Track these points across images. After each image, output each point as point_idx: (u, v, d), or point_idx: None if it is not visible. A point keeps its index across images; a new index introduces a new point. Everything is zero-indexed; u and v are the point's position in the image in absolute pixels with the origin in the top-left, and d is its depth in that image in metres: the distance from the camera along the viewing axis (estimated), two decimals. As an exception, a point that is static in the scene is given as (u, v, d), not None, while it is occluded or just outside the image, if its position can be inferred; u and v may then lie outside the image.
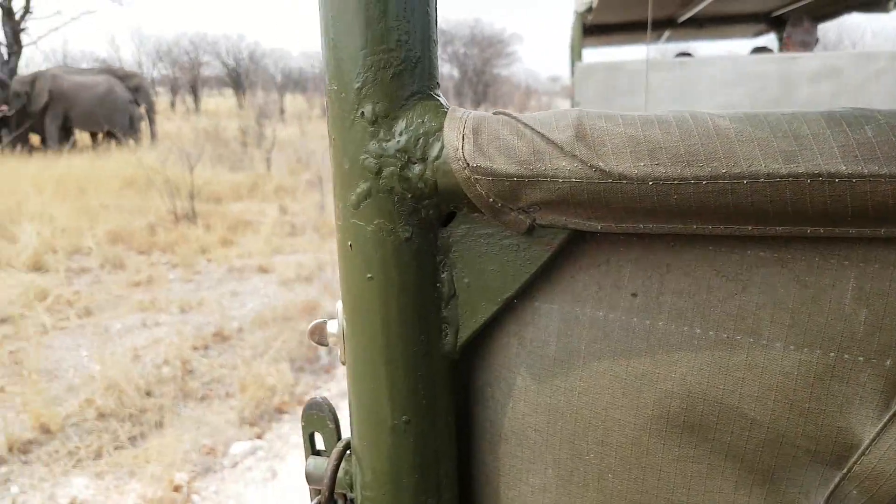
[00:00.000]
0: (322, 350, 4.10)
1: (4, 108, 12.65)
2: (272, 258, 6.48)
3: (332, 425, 0.60)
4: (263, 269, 6.13)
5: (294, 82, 33.37)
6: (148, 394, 3.52)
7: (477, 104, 22.32)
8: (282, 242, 7.03)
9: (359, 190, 0.46)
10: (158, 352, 4.04)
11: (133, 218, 7.41)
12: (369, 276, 0.47)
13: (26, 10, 15.21)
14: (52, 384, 3.65)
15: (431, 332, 0.48)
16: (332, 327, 0.55)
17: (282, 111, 25.16)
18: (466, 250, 0.47)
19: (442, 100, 0.46)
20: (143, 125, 15.32)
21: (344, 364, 0.52)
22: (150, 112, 15.63)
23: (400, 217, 0.45)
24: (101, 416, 3.29)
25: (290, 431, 3.24)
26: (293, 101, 30.76)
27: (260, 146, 13.47)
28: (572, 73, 4.23)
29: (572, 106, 0.85)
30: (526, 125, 0.43)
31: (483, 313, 0.47)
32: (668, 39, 6.05)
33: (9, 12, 14.76)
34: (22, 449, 3.01)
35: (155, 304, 5.00)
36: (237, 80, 31.37)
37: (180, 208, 7.52)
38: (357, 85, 0.44)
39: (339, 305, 0.52)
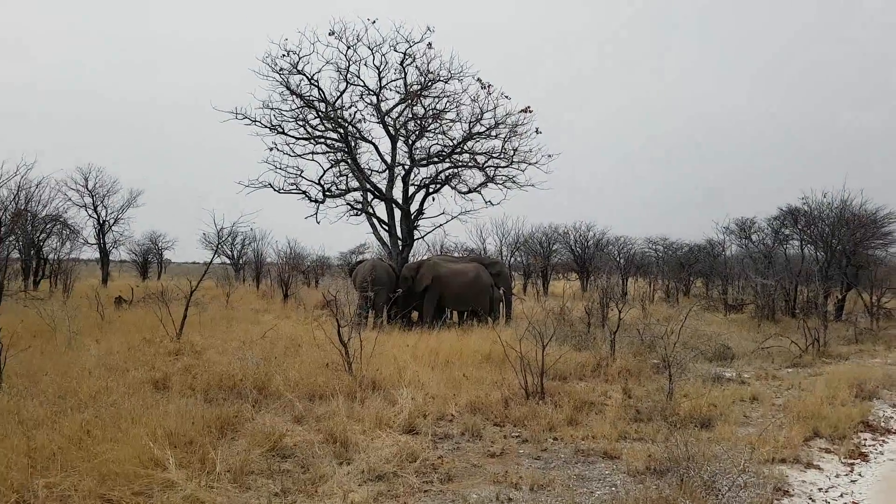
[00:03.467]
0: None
1: (399, 290, 15.38)
2: (618, 443, 6.19)
3: None
4: (609, 455, 5.86)
5: (636, 266, 33.78)
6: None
7: (847, 288, 19.38)
8: (627, 427, 6.71)
9: None
10: (510, 530, 4.00)
11: (490, 390, 7.96)
12: None
13: (419, 212, 18.66)
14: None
15: None
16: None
17: (624, 293, 25.43)
18: None
19: None
20: (501, 305, 16.95)
21: None
22: (508, 294, 17.32)
23: None
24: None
25: None
26: (635, 284, 31.06)
27: (603, 326, 13.64)
28: None
29: None
30: None
31: None
32: None
33: (406, 214, 18.26)
34: None
35: (507, 478, 5.08)
36: (583, 264, 33.07)
37: (531, 384, 7.83)
38: None
39: None
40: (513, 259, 32.36)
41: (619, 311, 12.21)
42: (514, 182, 18.42)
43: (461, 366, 9.45)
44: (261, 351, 9.89)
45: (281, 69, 17.27)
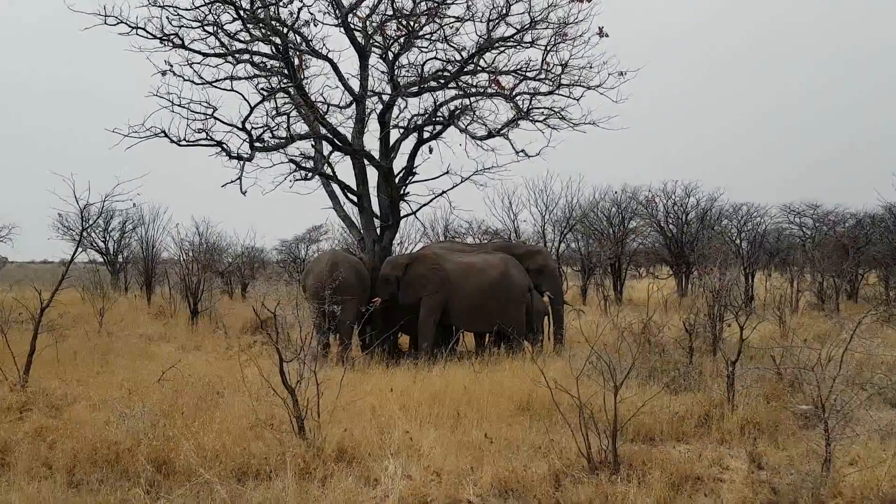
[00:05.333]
0: None
1: (377, 300, 15.43)
2: (743, 544, 6.27)
3: None
4: (729, 562, 5.94)
5: (769, 252, 33.66)
6: None
7: None
8: (758, 517, 6.79)
9: None
10: None
11: (529, 460, 8.02)
12: None
13: (409, 172, 18.58)
14: None
15: None
16: None
17: (749, 298, 25.34)
18: None
19: None
20: (545, 321, 16.97)
21: None
22: (556, 303, 17.34)
23: None
24: None
25: None
26: (767, 282, 30.91)
27: (715, 353, 13.65)
28: None
29: None
30: None
31: None
32: None
33: (387, 175, 18.13)
34: None
35: None
36: (680, 251, 32.91)
37: (597, 448, 7.88)
38: None
39: None
40: (563, 246, 32.48)
41: (742, 328, 12.21)
42: (562, 118, 18.40)
43: (482, 421, 9.52)
44: (159, 403, 9.96)
45: (177, -59, 17.23)
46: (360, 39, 18.11)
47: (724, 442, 9.37)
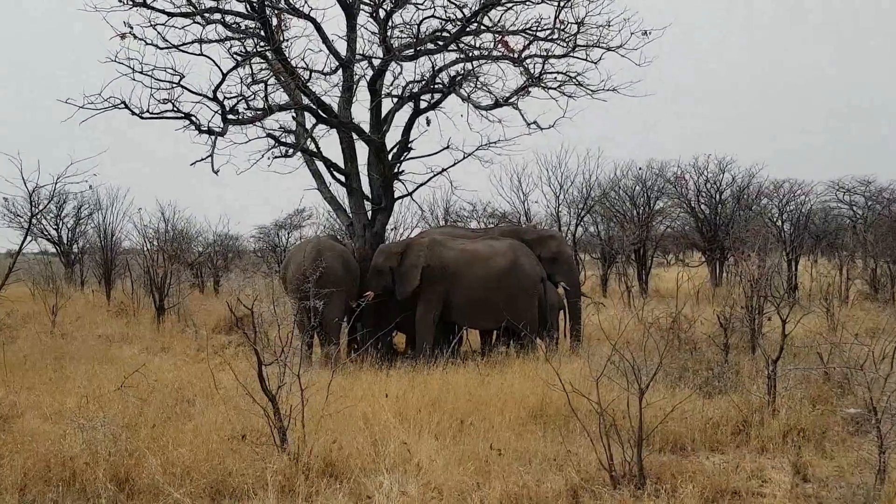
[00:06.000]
0: None
1: (369, 294, 15.41)
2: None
3: None
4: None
5: (815, 236, 33.57)
6: None
7: None
8: (804, 538, 6.81)
9: None
10: None
11: (543, 473, 8.03)
12: None
13: (404, 147, 18.51)
14: None
15: None
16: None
17: (793, 288, 25.31)
18: None
19: None
20: (560, 316, 16.97)
21: None
22: (573, 296, 17.31)
23: None
24: None
25: None
26: (813, 269, 30.83)
27: (754, 351, 13.66)
28: None
29: None
30: None
31: None
32: None
33: (379, 151, 18.04)
34: None
35: None
36: (713, 235, 32.82)
37: (619, 460, 7.89)
38: None
39: None
40: (580, 230, 32.46)
41: (784, 322, 12.22)
42: (578, 84, 18.33)
43: (488, 430, 9.54)
44: (122, 412, 9.99)
45: None
46: (347, -4, 18.05)
47: (764, 451, 9.38)
